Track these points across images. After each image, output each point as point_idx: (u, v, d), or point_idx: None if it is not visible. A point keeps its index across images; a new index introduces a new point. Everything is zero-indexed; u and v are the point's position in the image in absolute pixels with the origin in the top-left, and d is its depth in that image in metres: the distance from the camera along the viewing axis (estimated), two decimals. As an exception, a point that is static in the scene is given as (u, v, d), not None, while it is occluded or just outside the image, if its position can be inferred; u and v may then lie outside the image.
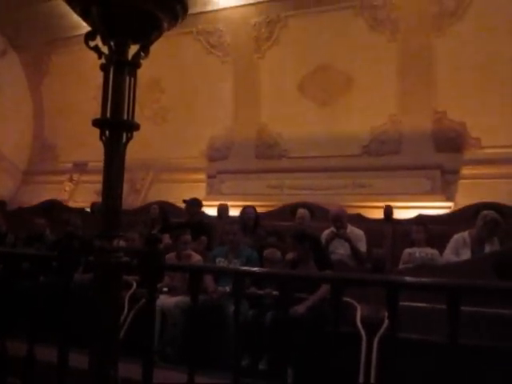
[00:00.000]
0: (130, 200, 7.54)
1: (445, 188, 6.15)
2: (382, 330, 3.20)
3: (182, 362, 2.87)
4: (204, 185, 7.65)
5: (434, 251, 4.76)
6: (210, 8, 7.23)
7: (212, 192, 7.51)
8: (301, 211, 5.63)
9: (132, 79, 1.99)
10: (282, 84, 7.22)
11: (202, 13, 7.24)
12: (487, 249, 4.44)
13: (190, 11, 6.74)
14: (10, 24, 8.19)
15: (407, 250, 4.85)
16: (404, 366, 2.90)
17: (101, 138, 1.94)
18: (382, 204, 5.93)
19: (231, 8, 7.18)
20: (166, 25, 2.02)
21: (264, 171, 7.11)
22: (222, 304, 3.82)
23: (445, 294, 1.94)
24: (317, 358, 3.18)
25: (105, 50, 1.98)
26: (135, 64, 2.00)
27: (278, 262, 4.20)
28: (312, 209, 5.86)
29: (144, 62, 2.05)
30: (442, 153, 6.32)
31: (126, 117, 1.96)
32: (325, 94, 6.99)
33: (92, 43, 1.99)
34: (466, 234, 4.63)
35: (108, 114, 1.94)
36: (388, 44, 6.57)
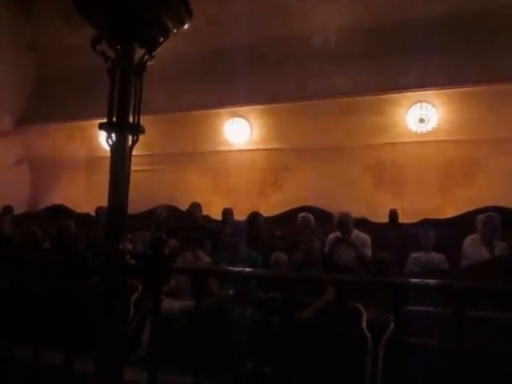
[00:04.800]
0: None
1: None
2: (387, 334, 3.19)
3: (188, 366, 2.86)
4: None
5: (440, 256, 4.74)
6: (222, 148, 7.29)
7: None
8: (302, 215, 5.56)
9: (138, 82, 2.01)
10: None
11: (214, 151, 7.35)
12: (496, 253, 4.46)
13: (204, 149, 6.63)
14: (31, 138, 8.26)
15: (413, 255, 4.82)
16: (410, 370, 2.90)
17: (107, 141, 1.96)
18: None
19: (242, 151, 7.23)
20: (172, 29, 2.04)
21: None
22: (227, 308, 3.82)
23: (449, 295, 1.93)
24: (322, 362, 3.17)
25: (111, 53, 2.00)
26: (141, 68, 2.02)
27: (285, 266, 4.20)
28: (317, 213, 5.84)
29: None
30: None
31: (131, 120, 1.97)
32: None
33: (98, 47, 2.01)
34: (475, 236, 4.73)
35: (114, 117, 1.95)
36: (392, 202, 6.38)
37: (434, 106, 5.89)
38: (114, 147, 1.95)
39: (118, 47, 1.98)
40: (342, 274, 4.08)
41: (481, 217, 4.79)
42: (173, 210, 6.85)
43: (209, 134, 7.22)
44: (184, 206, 6.90)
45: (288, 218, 6.16)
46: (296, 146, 6.93)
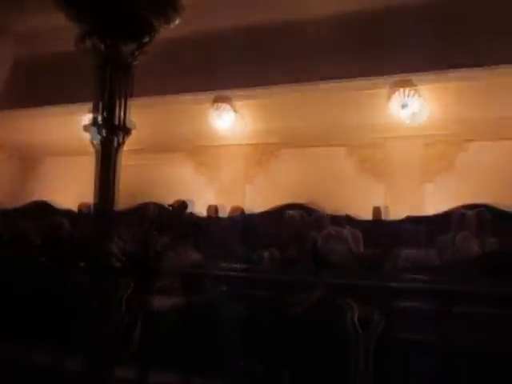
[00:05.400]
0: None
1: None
2: (378, 331, 3.20)
3: (179, 364, 2.86)
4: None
5: (431, 252, 4.77)
6: (208, 135, 7.22)
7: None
8: (290, 213, 5.57)
9: (126, 82, 1.99)
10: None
11: (199, 138, 7.32)
12: (487, 249, 4.49)
13: (190, 136, 7.22)
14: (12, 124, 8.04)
15: (405, 251, 4.83)
16: (400, 366, 2.91)
17: (94, 140, 1.94)
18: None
19: (229, 138, 7.18)
20: (162, 25, 2.03)
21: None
22: (219, 305, 3.80)
23: (439, 297, 1.94)
24: (313, 359, 3.19)
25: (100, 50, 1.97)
26: (130, 65, 2.00)
27: (278, 262, 4.19)
28: (308, 210, 5.85)
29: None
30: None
31: (119, 120, 1.95)
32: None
33: (86, 44, 1.99)
34: (466, 232, 4.75)
35: (100, 117, 1.93)
36: (376, 186, 6.54)
37: (417, 91, 5.80)
38: (101, 146, 1.93)
39: (107, 43, 1.96)
40: (334, 270, 4.09)
41: (471, 213, 4.81)
42: (164, 207, 6.82)
43: (194, 121, 7.08)
44: (172, 197, 6.88)
45: (280, 215, 6.16)
46: (284, 132, 6.92)
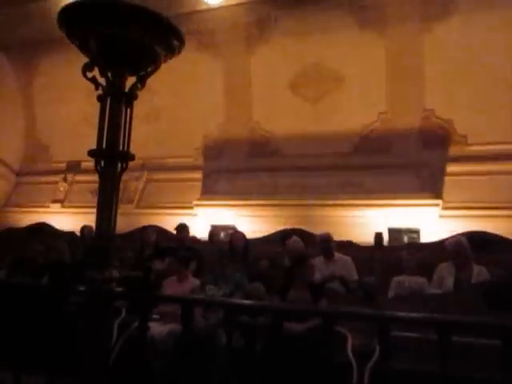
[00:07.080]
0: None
1: (433, 186, 6.36)
2: (372, 360, 3.18)
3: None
4: (198, 184, 7.75)
5: (423, 280, 4.71)
6: (200, 7, 7.19)
7: (206, 192, 7.58)
8: (293, 239, 5.51)
9: (128, 110, 2.02)
10: (273, 82, 7.33)
11: (192, 12, 7.22)
12: (474, 277, 4.43)
13: (181, 10, 6.52)
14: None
15: (396, 279, 4.79)
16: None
17: (96, 168, 1.96)
18: (372, 202, 6.29)
19: (222, 7, 7.16)
20: (162, 57, 2.07)
21: (257, 170, 7.24)
22: (214, 333, 3.76)
23: (436, 328, 1.95)
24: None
25: (102, 81, 2.01)
26: (132, 95, 2.03)
27: (262, 297, 4.13)
28: (303, 235, 5.84)
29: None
30: (429, 150, 6.53)
31: (121, 147, 1.98)
32: (315, 92, 7.15)
33: (89, 74, 2.02)
34: (451, 263, 4.65)
35: (103, 145, 1.95)
36: (377, 42, 6.69)
37: None
38: (102, 174, 1.95)
39: (109, 75, 1.99)
40: (328, 297, 4.07)
41: (448, 243, 4.74)
42: (165, 231, 6.81)
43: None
44: (175, 77, 6.98)
45: (277, 239, 6.17)
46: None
